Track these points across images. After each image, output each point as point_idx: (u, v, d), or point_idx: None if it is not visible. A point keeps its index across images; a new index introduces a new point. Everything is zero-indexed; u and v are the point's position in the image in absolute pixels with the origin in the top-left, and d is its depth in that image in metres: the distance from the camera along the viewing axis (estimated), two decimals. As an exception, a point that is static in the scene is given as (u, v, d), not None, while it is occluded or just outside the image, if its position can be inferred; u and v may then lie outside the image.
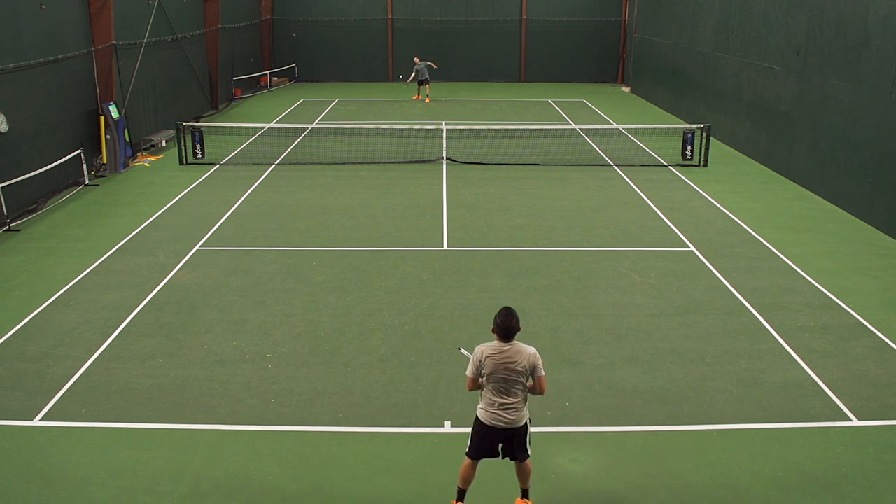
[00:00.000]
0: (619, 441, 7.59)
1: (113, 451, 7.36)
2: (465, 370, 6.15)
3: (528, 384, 6.06)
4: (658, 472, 7.10)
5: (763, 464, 7.21)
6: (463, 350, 6.47)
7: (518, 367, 5.94)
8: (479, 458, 6.31)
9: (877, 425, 7.86)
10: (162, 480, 6.92)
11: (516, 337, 6.00)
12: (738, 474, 7.03)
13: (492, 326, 6.03)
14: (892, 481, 6.99)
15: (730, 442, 7.55)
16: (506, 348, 5.96)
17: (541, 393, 6.11)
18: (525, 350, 5.99)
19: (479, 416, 6.18)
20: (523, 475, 6.43)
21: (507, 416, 6.05)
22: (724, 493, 6.78)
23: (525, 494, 6.50)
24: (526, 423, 6.16)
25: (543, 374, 6.04)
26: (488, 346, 6.02)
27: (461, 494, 6.44)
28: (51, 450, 7.39)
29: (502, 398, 6.02)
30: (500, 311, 5.98)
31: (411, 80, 31.47)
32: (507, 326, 5.92)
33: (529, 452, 6.26)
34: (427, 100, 30.98)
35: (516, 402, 6.03)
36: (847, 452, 7.41)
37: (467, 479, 6.37)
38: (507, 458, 6.29)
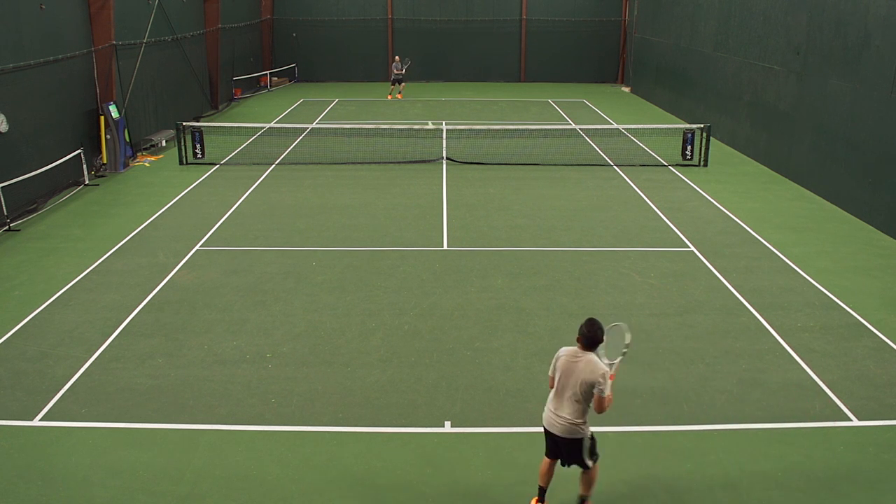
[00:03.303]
0: (619, 441, 7.59)
1: (113, 451, 7.36)
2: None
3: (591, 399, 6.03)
4: (658, 472, 7.10)
5: (763, 464, 7.21)
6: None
7: (578, 378, 5.96)
8: (552, 458, 6.40)
9: (877, 425, 7.86)
10: (162, 480, 6.92)
11: (599, 348, 6.09)
12: (738, 474, 7.03)
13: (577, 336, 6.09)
14: (892, 481, 6.99)
15: (730, 442, 7.55)
16: (580, 356, 6.01)
17: (599, 411, 6.01)
18: (593, 366, 5.96)
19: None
20: (583, 482, 6.48)
21: (557, 422, 6.13)
22: (725, 493, 6.78)
23: (582, 501, 6.55)
24: (580, 437, 6.15)
25: (606, 394, 5.90)
26: (567, 350, 6.13)
27: (541, 493, 6.51)
28: (51, 450, 7.39)
29: (556, 403, 6.14)
30: (585, 322, 6.05)
31: (400, 70, 32.25)
32: (592, 336, 5.99)
33: (588, 464, 6.28)
34: (399, 96, 32.33)
35: (568, 412, 6.07)
36: (847, 452, 7.41)
37: (542, 475, 6.48)
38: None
